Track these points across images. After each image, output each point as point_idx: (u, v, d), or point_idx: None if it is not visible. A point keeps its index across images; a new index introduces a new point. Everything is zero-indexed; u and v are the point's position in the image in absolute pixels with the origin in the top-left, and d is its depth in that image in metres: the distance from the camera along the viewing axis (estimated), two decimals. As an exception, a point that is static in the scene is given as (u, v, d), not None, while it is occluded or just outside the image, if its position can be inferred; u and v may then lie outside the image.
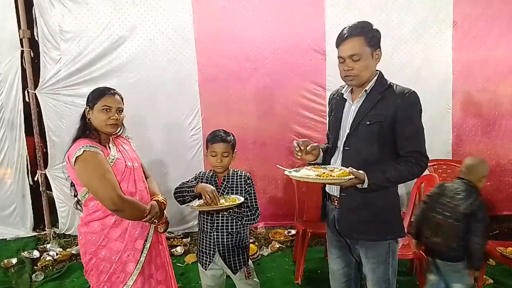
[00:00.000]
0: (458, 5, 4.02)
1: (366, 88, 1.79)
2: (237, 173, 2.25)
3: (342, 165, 1.78)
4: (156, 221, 1.99)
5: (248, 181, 2.22)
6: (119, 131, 2.06)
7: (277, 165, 1.99)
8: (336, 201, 1.88)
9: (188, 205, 2.10)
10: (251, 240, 3.88)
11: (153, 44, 3.82)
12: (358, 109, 1.80)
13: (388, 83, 1.79)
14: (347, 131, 1.82)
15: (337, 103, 1.94)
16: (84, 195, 1.89)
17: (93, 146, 1.84)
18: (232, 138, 2.25)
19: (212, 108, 3.98)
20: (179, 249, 3.70)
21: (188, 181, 2.22)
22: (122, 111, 1.98)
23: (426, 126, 1.80)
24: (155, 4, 3.77)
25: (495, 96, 4.20)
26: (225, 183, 2.21)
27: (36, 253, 3.70)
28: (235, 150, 2.26)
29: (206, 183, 2.19)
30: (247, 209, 2.18)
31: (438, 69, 4.10)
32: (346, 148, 1.81)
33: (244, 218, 2.17)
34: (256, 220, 2.21)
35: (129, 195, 1.90)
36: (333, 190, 1.90)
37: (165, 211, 2.07)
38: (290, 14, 3.92)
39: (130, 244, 1.92)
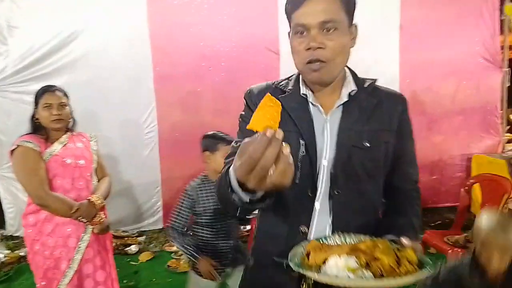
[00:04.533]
0: (404, 9, 4.24)
1: (349, 89, 1.14)
2: None
3: (334, 220, 1.11)
4: (85, 221, 2.00)
5: None
6: (71, 125, 2.12)
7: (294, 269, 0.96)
8: None
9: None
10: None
11: (106, 40, 3.77)
12: (341, 124, 1.12)
13: (369, 80, 1.19)
14: (325, 163, 1.10)
15: (295, 109, 1.12)
16: None
17: (29, 142, 1.90)
18: None
19: (168, 106, 3.98)
20: (133, 248, 3.69)
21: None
22: (66, 105, 2.04)
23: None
24: (108, -1, 3.73)
25: (438, 96, 4.46)
26: None
27: (-18, 256, 3.56)
28: None
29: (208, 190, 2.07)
30: None
31: (386, 70, 4.30)
32: (335, 192, 1.10)
33: None
34: None
35: (63, 192, 1.96)
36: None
37: (102, 213, 2.08)
38: (245, 14, 3.99)
39: (62, 241, 1.96)
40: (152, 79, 3.91)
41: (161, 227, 4.13)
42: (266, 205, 0.89)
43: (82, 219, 1.99)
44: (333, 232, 1.09)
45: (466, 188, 3.12)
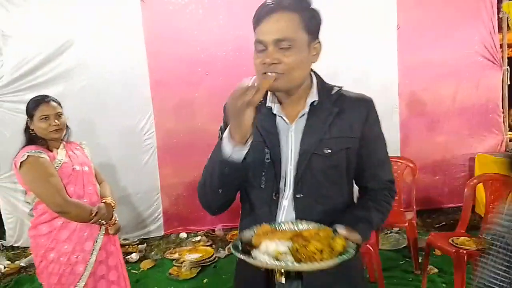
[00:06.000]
0: (401, 10, 4.21)
1: (312, 99, 1.20)
2: None
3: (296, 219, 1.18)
4: (104, 223, 2.05)
5: None
6: (65, 135, 2.13)
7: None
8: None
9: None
10: (208, 243, 3.88)
11: (101, 47, 3.75)
12: (304, 132, 1.19)
13: (336, 88, 1.24)
14: (291, 168, 1.19)
15: (261, 121, 1.20)
16: (33, 198, 1.97)
17: (37, 151, 1.91)
18: None
19: (165, 112, 3.97)
20: (134, 256, 3.64)
21: None
22: (61, 115, 2.05)
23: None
24: (102, 6, 3.71)
25: (438, 96, 4.42)
26: None
27: (-19, 267, 3.53)
28: None
29: None
30: None
31: (385, 71, 4.26)
32: (297, 196, 1.18)
33: None
34: None
35: (77, 198, 1.98)
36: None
37: (115, 214, 2.14)
38: (240, 18, 3.95)
39: (79, 245, 1.98)
40: (148, 85, 3.89)
41: (162, 234, 4.10)
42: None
43: (102, 221, 2.02)
44: None
45: (470, 188, 3.06)
